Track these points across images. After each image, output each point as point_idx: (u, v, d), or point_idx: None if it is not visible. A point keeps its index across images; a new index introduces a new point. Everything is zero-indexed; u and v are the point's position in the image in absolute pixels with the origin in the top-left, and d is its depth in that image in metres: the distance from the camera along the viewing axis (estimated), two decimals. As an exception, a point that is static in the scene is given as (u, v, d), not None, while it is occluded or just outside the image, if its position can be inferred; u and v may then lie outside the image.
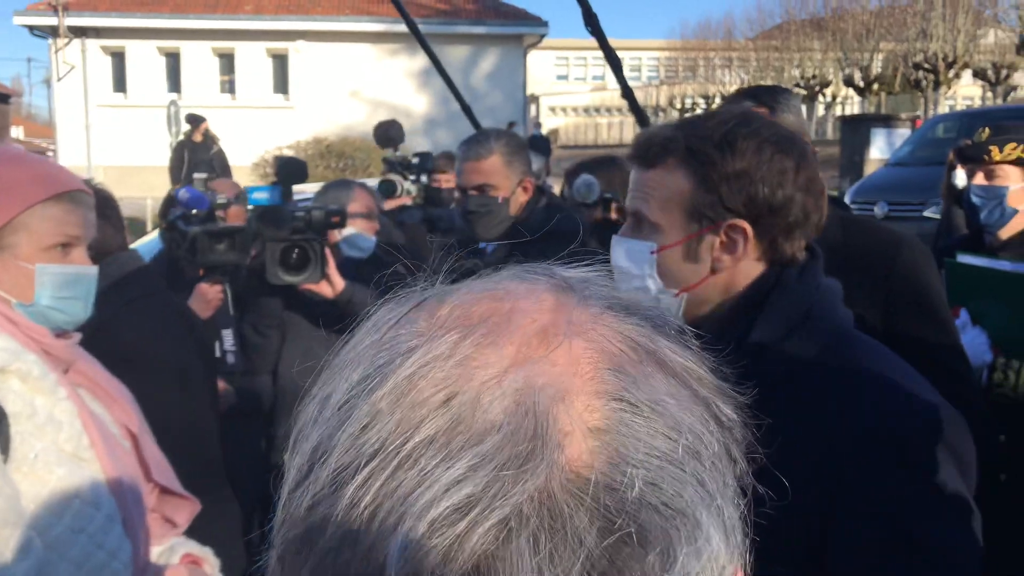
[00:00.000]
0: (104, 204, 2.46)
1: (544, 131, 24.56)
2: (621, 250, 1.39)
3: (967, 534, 1.16)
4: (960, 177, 4.61)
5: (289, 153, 18.29)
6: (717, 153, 1.27)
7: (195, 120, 12.71)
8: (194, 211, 3.02)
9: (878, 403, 1.17)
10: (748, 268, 1.32)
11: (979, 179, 2.63)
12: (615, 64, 3.11)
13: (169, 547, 1.67)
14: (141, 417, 1.68)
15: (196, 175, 3.32)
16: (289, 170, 3.30)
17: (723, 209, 1.28)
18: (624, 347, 0.46)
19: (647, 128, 1.42)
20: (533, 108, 33.28)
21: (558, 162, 24.09)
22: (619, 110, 38.48)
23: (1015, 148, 2.54)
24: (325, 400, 0.47)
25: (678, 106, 36.30)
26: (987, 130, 2.65)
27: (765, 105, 2.18)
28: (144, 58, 21.62)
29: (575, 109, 39.36)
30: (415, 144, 21.07)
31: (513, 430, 0.40)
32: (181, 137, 12.79)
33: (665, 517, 0.40)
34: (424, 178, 4.49)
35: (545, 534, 0.38)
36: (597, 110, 39.44)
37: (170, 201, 3.35)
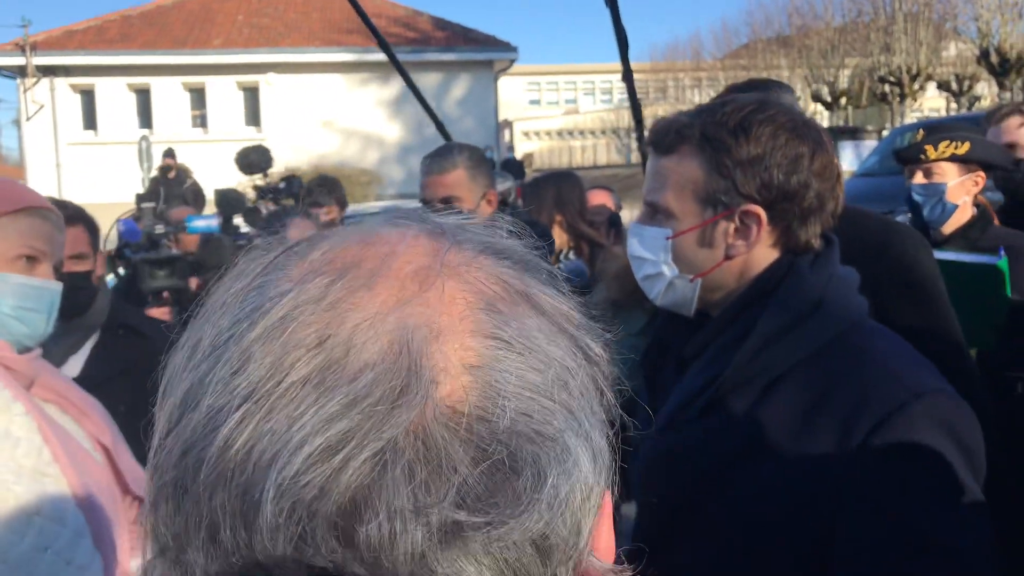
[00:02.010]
0: (94, 230, 2.61)
1: (518, 155, 24.71)
2: (637, 238, 1.39)
3: (975, 526, 1.14)
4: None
5: (261, 184, 18.26)
6: (731, 139, 1.27)
7: (170, 155, 12.80)
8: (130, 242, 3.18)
9: (888, 393, 1.16)
10: (763, 254, 1.32)
11: (919, 178, 2.70)
12: (623, 42, 3.07)
13: None
14: (115, 431, 1.68)
15: (144, 205, 3.39)
16: (228, 201, 3.45)
17: (737, 195, 1.28)
18: (497, 288, 0.47)
19: (663, 117, 1.42)
20: (507, 133, 33.46)
21: (533, 185, 24.17)
22: (592, 133, 38.74)
23: (948, 146, 2.60)
24: (195, 347, 0.46)
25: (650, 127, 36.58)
26: (921, 131, 2.73)
27: None
28: (114, 95, 21.55)
29: (548, 133, 39.56)
30: (390, 172, 21.15)
31: (387, 368, 0.41)
32: (155, 173, 12.80)
33: (536, 443, 0.42)
34: (291, 202, 4.45)
35: (420, 464, 0.39)
36: (571, 133, 39.65)
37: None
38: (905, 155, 2.74)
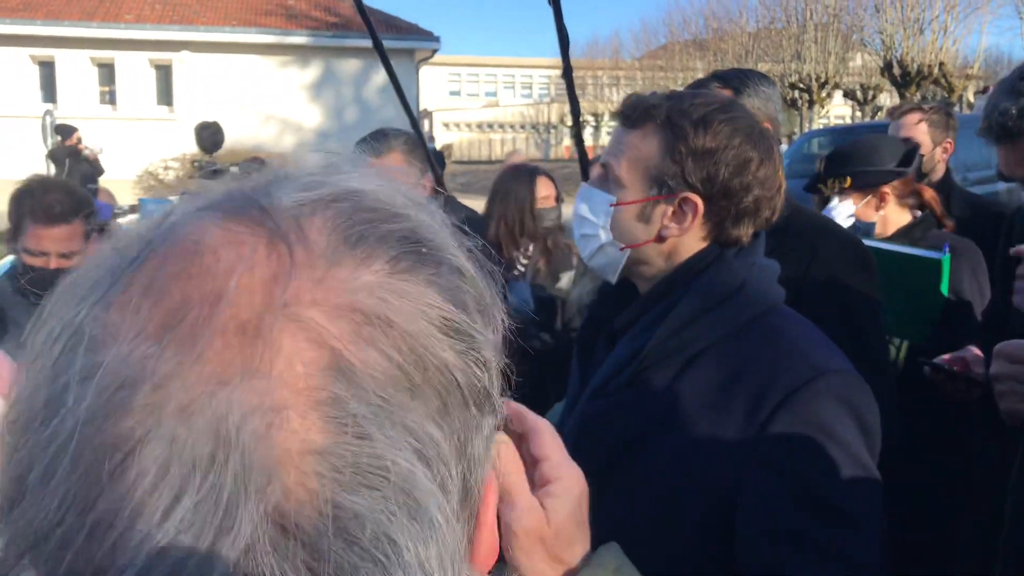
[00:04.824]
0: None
1: (438, 146, 24.57)
2: (585, 197, 1.48)
3: (869, 496, 1.24)
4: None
5: (175, 166, 17.74)
6: (692, 128, 1.35)
7: (67, 130, 12.31)
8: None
9: (795, 371, 1.25)
10: (691, 243, 1.40)
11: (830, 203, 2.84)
12: (564, 40, 3.10)
13: None
14: None
15: (91, 186, 3.33)
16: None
17: (683, 181, 1.36)
18: (346, 327, 0.40)
19: (637, 93, 1.51)
20: (426, 123, 33.25)
21: (453, 177, 24.10)
22: (511, 126, 38.83)
23: (834, 183, 2.78)
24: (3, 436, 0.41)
25: (569, 123, 36.87)
26: (821, 163, 2.87)
27: (731, 87, 2.19)
28: (16, 66, 20.56)
29: (468, 125, 39.50)
30: (308, 158, 20.66)
31: (204, 497, 0.36)
32: (54, 145, 12.30)
33: (363, 553, 0.38)
34: None
35: None
36: (490, 126, 39.67)
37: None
38: (809, 190, 2.91)
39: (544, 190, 3.50)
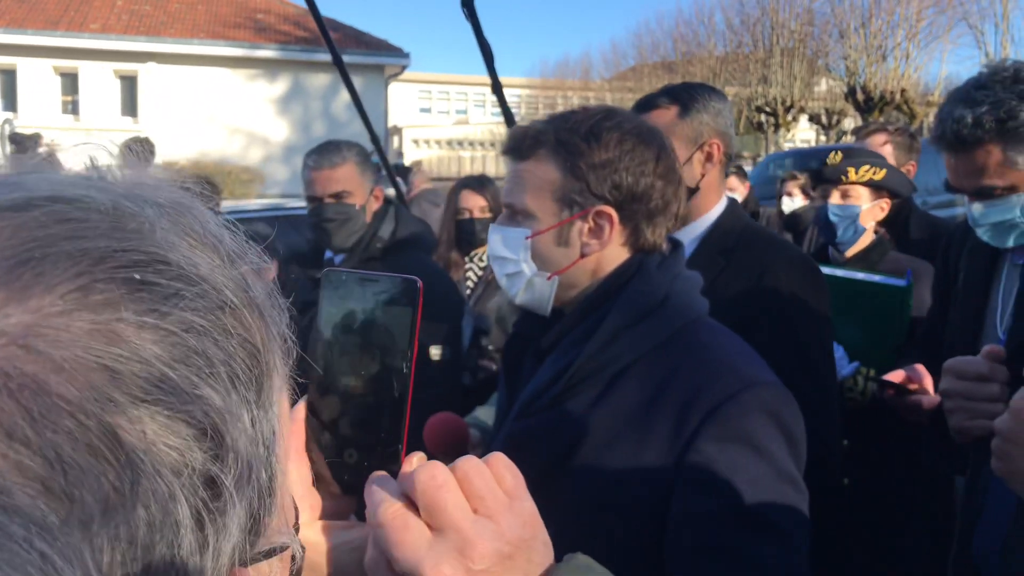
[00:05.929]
0: None
1: (407, 162, 24.55)
2: (498, 238, 1.45)
3: (796, 509, 1.24)
4: (787, 204, 4.95)
5: (138, 178, 17.46)
6: (584, 144, 1.36)
7: (20, 139, 12.06)
8: None
9: (722, 384, 1.25)
10: (614, 253, 1.40)
11: (836, 199, 2.81)
12: (487, 54, 3.08)
13: None
14: None
15: None
16: None
17: (591, 195, 1.37)
18: None
19: (518, 125, 1.49)
20: (396, 139, 33.20)
21: (423, 193, 24.03)
22: (482, 144, 38.89)
23: (868, 170, 2.75)
24: None
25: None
26: (839, 154, 2.85)
27: (679, 103, 2.14)
28: (-24, 74, 20.21)
29: (438, 142, 39.44)
30: (274, 171, 20.62)
31: None
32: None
33: None
34: None
35: None
36: (460, 143, 39.66)
37: None
38: (827, 175, 2.86)
39: (468, 202, 3.52)
